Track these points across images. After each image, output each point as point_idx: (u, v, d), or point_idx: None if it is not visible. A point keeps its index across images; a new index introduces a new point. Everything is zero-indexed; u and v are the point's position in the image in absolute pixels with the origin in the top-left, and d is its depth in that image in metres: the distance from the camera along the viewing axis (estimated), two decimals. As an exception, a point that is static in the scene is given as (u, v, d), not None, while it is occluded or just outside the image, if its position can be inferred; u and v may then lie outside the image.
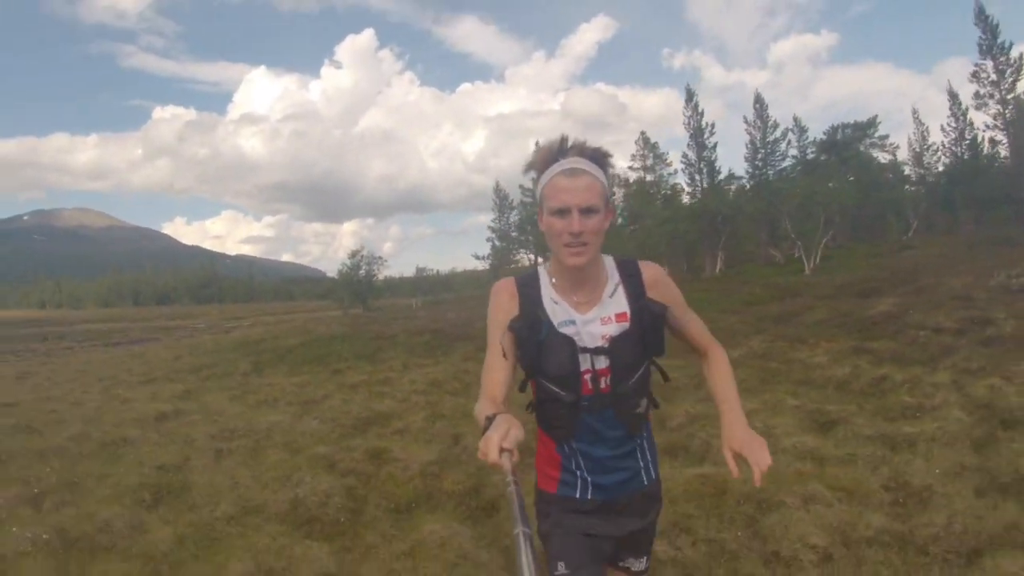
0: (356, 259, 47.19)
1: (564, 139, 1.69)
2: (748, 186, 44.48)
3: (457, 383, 10.76)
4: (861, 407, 6.85)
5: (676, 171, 47.28)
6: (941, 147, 44.86)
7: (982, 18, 40.29)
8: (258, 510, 4.94)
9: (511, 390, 1.69)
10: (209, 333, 38.72)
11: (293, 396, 10.46)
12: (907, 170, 46.35)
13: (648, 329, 1.74)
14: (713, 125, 45.50)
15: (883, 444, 5.43)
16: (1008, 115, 39.57)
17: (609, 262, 1.81)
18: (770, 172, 45.38)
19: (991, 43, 40.03)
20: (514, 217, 51.81)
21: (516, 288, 1.77)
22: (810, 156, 46.71)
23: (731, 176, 46.20)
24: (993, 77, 40.05)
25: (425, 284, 55.27)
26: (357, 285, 47.36)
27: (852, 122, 46.59)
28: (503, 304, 1.76)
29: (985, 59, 40.34)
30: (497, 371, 1.66)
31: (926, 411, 6.32)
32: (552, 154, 1.68)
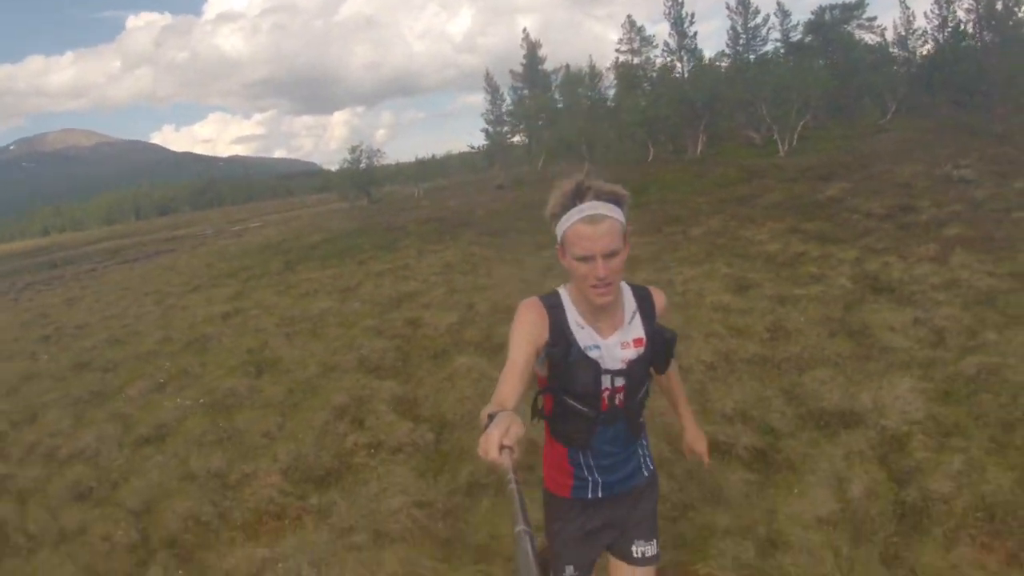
0: (356, 153, 48.44)
1: (581, 183, 1.77)
2: (729, 68, 45.03)
3: (466, 264, 12.67)
4: (777, 275, 8.70)
5: (661, 53, 47.46)
6: (924, 32, 44.56)
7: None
8: (336, 367, 7.00)
9: (521, 402, 1.75)
10: (222, 238, 39.38)
11: (331, 286, 12.37)
12: (895, 51, 46.42)
13: (658, 352, 1.96)
14: (693, 14, 45.96)
15: (777, 301, 7.36)
16: (980, 11, 39.50)
17: (624, 288, 1.97)
18: (751, 56, 45.78)
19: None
20: (507, 106, 52.47)
21: (545, 311, 1.87)
22: (796, 38, 46.85)
23: (716, 56, 47.17)
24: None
25: (424, 172, 56.38)
26: (359, 177, 48.80)
27: (840, 3, 46.47)
28: (531, 320, 1.85)
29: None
30: (511, 382, 1.73)
31: (823, 279, 8.15)
32: (570, 198, 1.77)
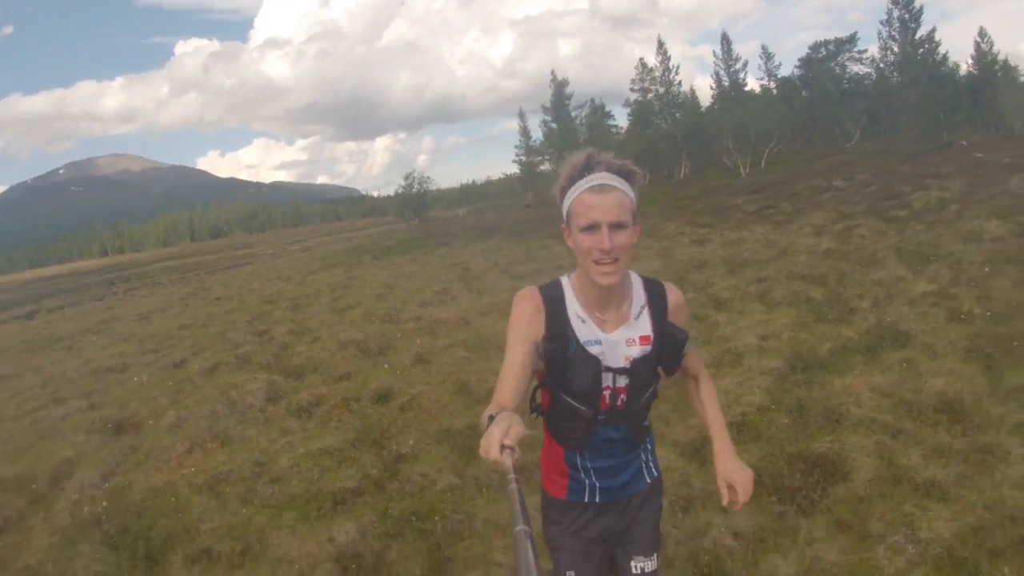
0: (409, 180, 57.13)
1: (591, 155, 1.70)
2: (709, 107, 54.92)
3: (495, 252, 19.88)
4: (656, 241, 15.81)
5: (655, 96, 55.16)
6: (896, 63, 49.86)
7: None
8: (427, 286, 14.31)
9: (523, 401, 1.70)
10: (290, 254, 44.67)
11: (412, 264, 19.84)
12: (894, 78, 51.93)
13: (668, 353, 1.81)
14: (678, 67, 54.83)
15: (640, 248, 14.40)
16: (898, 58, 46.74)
17: (635, 279, 1.84)
18: (733, 93, 54.75)
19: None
20: (537, 138, 61.10)
21: (542, 301, 1.76)
22: (786, 74, 56.66)
23: (687, 97, 56.39)
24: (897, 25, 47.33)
25: (466, 196, 64.24)
26: (412, 200, 57.41)
27: (834, 38, 54.37)
28: (527, 314, 1.75)
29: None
30: (511, 382, 1.67)
31: (677, 241, 15.25)
32: (579, 170, 1.69)
